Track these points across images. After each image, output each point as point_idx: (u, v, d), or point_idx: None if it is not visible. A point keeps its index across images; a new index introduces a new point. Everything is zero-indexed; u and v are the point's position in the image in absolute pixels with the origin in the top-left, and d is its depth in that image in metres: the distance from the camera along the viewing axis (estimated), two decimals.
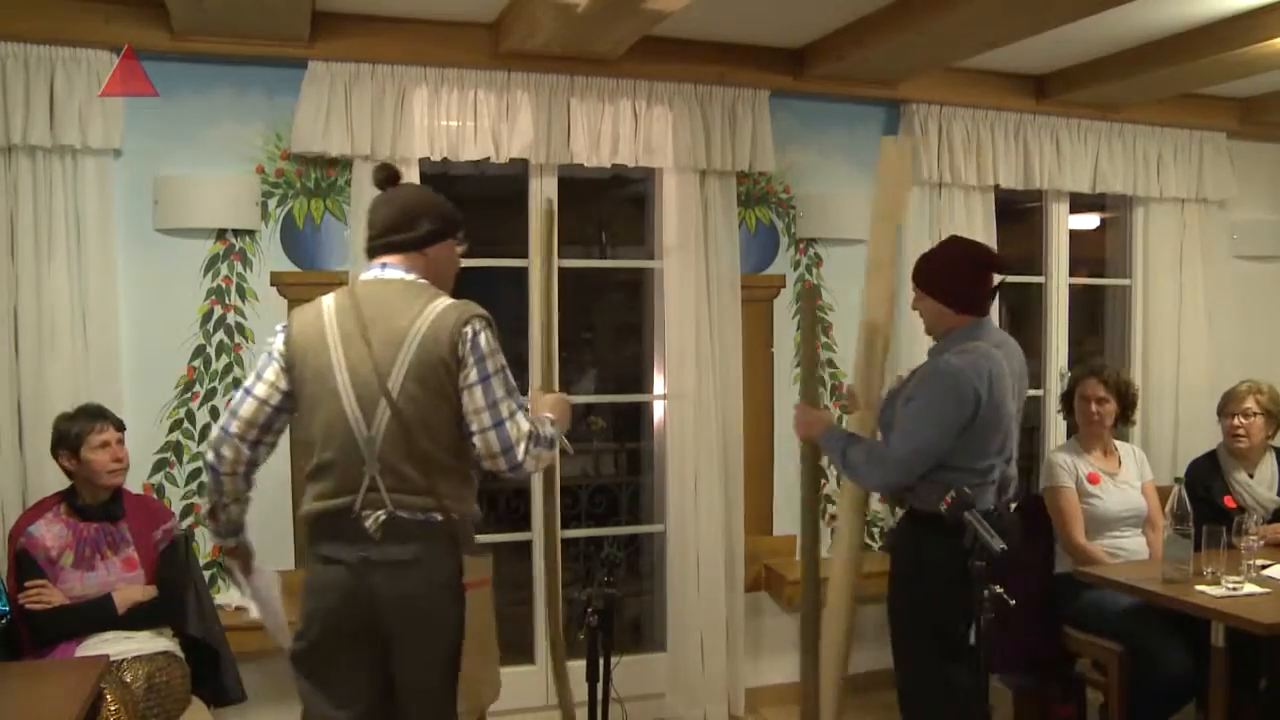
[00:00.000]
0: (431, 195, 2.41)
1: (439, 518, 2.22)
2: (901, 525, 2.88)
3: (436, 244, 2.34)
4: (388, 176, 2.39)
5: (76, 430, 2.87)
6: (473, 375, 2.20)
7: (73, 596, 2.83)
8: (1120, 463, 3.62)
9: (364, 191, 3.40)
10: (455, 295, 2.34)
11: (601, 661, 2.70)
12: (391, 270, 2.32)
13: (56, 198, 3.18)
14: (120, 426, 2.96)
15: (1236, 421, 3.62)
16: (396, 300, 2.26)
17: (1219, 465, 3.67)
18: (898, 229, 2.97)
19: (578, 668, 2.81)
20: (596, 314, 5.11)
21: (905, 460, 2.71)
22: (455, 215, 2.39)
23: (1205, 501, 3.51)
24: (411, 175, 3.48)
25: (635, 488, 4.41)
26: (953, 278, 2.79)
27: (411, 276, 2.31)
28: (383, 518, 2.21)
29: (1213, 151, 4.59)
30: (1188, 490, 3.22)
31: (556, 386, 2.95)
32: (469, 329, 2.21)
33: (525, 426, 2.21)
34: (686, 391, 3.82)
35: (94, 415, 2.92)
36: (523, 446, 2.20)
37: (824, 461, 3.19)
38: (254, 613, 2.65)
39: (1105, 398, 3.54)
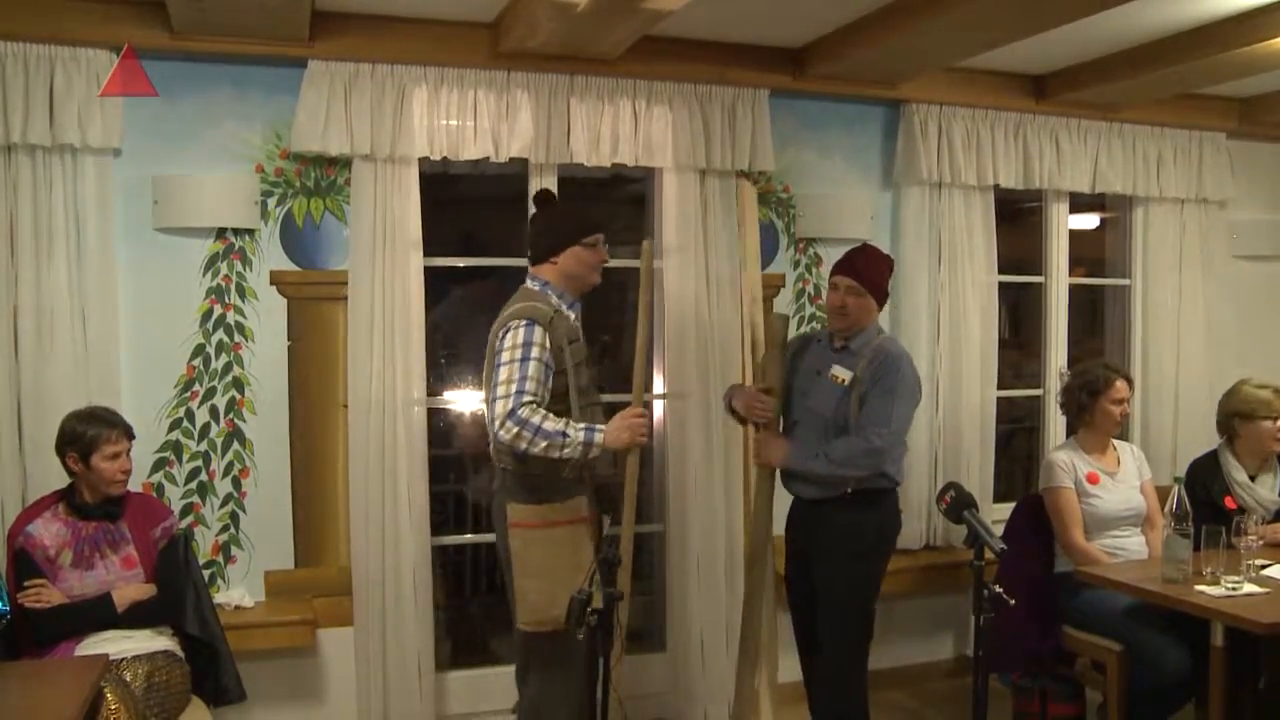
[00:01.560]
0: (553, 212, 3.02)
1: (503, 468, 2.90)
2: (837, 506, 3.08)
3: (557, 254, 2.93)
4: (539, 199, 3.06)
5: (91, 435, 2.84)
6: (493, 362, 2.83)
7: (72, 596, 2.82)
8: (1119, 461, 3.61)
9: (363, 191, 3.43)
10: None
11: (601, 661, 2.64)
12: (527, 280, 2.99)
13: (56, 197, 3.16)
14: (131, 435, 2.95)
15: None
16: (510, 304, 2.93)
17: (1220, 466, 3.65)
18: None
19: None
20: (598, 314, 5.09)
21: (898, 436, 3.07)
22: (570, 226, 2.94)
23: (1205, 502, 3.50)
24: (411, 175, 3.49)
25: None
26: (883, 280, 3.18)
27: (534, 285, 2.96)
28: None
29: (1212, 151, 4.58)
30: (1188, 489, 3.21)
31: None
32: (504, 328, 2.82)
33: (508, 407, 2.75)
34: (686, 391, 3.81)
35: (109, 423, 2.89)
36: (498, 423, 2.76)
37: None
38: None
39: (1128, 398, 3.56)
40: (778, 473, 3.24)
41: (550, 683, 2.93)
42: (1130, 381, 3.59)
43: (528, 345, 2.78)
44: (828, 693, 3.20)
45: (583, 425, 2.80)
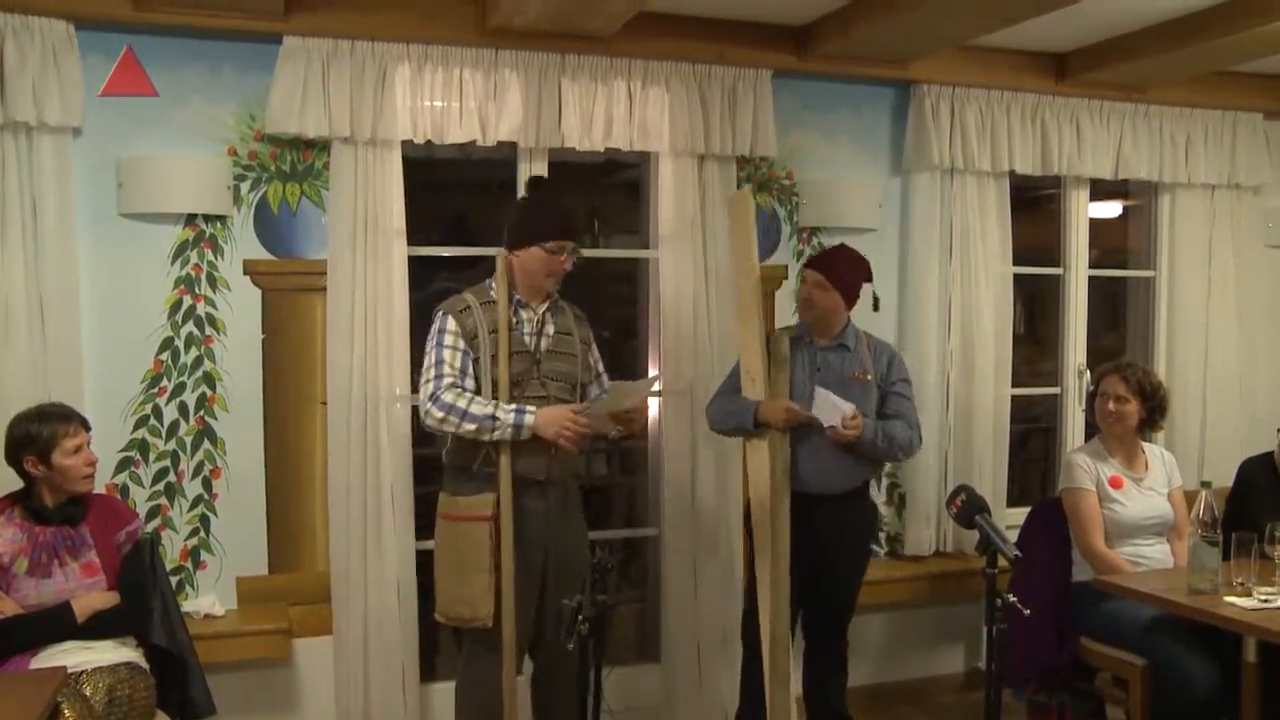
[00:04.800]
0: (532, 204, 3.06)
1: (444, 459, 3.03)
2: (860, 500, 3.25)
3: (519, 248, 2.96)
4: (531, 184, 3.13)
5: (47, 433, 2.72)
6: None
7: (27, 606, 2.70)
8: (1147, 466, 3.46)
9: (343, 175, 3.33)
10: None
11: (593, 672, 2.60)
12: None
13: (10, 179, 3.03)
14: (88, 426, 2.83)
15: None
16: None
17: (1277, 473, 3.47)
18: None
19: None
20: (592, 307, 5.03)
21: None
22: (539, 225, 2.95)
23: (1258, 508, 3.28)
24: (393, 159, 3.39)
25: (629, 489, 4.30)
26: (852, 280, 3.23)
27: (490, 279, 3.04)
28: None
29: (1247, 133, 4.45)
30: (1238, 489, 3.05)
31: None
32: None
33: (430, 391, 2.89)
34: (684, 388, 3.71)
35: (63, 416, 2.77)
36: (423, 409, 2.91)
37: None
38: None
39: (1125, 397, 3.38)
40: (788, 470, 3.16)
41: (461, 680, 3.03)
42: (1128, 380, 3.39)
43: (440, 332, 2.94)
44: (841, 677, 3.35)
45: (513, 407, 2.87)
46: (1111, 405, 3.39)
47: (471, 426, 2.83)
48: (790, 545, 3.13)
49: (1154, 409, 3.41)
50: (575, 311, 3.16)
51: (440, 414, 2.85)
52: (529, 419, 2.84)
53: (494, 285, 3.00)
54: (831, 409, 3.04)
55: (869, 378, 3.21)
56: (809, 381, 3.19)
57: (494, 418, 2.83)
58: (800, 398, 3.16)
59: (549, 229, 2.94)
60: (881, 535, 4.10)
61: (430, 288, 3.81)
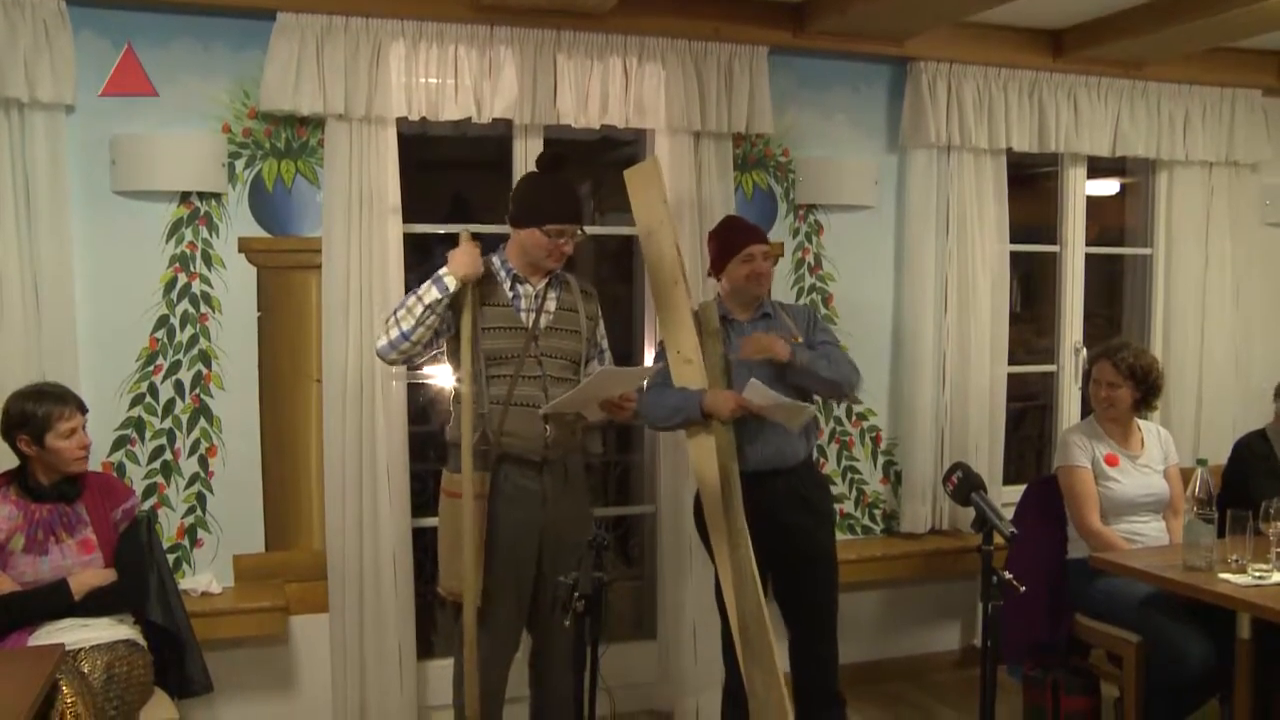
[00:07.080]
0: (540, 182, 2.93)
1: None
2: (811, 469, 3.24)
3: (520, 227, 2.88)
4: (548, 161, 2.94)
5: (42, 414, 2.71)
6: None
7: (24, 583, 2.70)
8: (1143, 444, 3.46)
9: (338, 153, 3.31)
10: None
11: (589, 649, 2.57)
12: None
13: (3, 156, 3.01)
14: (84, 409, 2.82)
15: None
16: None
17: (1271, 447, 3.48)
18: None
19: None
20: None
21: None
22: (544, 207, 2.84)
23: (1255, 485, 3.28)
24: (388, 136, 3.36)
25: (625, 466, 4.28)
26: None
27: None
28: None
29: (1246, 110, 4.41)
30: (1233, 465, 3.04)
31: None
32: None
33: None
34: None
35: (60, 398, 2.76)
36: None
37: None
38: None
39: (1116, 383, 3.38)
40: (734, 450, 3.09)
41: (457, 655, 2.94)
42: (1119, 366, 3.38)
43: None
44: (833, 657, 3.22)
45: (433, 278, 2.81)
46: (1104, 392, 3.39)
47: (401, 310, 2.78)
48: (749, 526, 3.02)
49: (1148, 390, 3.40)
50: (584, 287, 3.06)
51: (382, 329, 2.85)
52: (444, 269, 2.78)
53: (493, 260, 2.92)
54: (764, 395, 2.95)
55: (800, 340, 3.15)
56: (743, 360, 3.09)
57: (415, 292, 2.79)
58: (737, 379, 3.07)
59: (552, 212, 2.84)
60: (875, 513, 4.11)
61: (434, 260, 3.81)
